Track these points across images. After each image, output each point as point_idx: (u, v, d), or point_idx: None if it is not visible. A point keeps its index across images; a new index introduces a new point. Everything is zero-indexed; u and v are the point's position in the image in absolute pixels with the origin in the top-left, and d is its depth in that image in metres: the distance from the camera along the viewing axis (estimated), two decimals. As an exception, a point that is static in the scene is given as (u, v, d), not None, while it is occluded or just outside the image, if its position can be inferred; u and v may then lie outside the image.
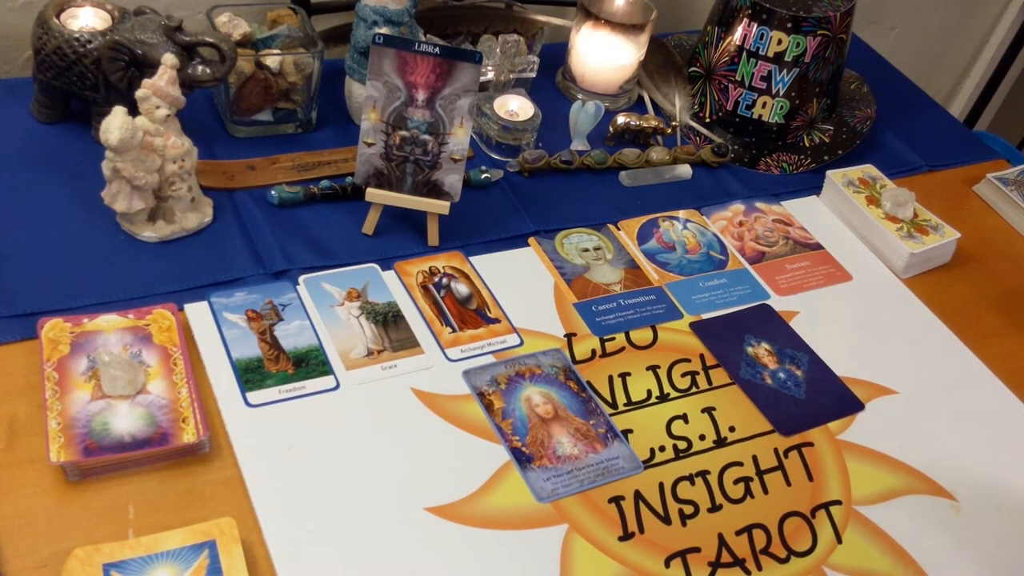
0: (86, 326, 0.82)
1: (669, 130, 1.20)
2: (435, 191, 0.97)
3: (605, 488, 0.81)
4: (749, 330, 0.98)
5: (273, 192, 1.00)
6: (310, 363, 0.85)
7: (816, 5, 1.17)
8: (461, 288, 0.96)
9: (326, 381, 0.84)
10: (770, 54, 1.17)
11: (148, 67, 0.93)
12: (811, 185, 1.20)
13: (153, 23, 0.95)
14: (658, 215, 1.10)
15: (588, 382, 0.90)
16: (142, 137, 0.87)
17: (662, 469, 0.84)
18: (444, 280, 0.96)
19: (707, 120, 1.24)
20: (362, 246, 0.98)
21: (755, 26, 1.17)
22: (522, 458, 0.82)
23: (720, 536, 0.80)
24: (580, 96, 1.23)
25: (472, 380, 0.87)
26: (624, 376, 0.91)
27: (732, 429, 0.89)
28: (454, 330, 0.92)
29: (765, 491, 0.84)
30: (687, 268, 1.04)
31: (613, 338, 0.94)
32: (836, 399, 0.93)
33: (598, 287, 1.00)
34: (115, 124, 0.84)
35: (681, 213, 1.11)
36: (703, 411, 0.90)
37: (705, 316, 0.99)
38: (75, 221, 0.93)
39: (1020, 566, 0.83)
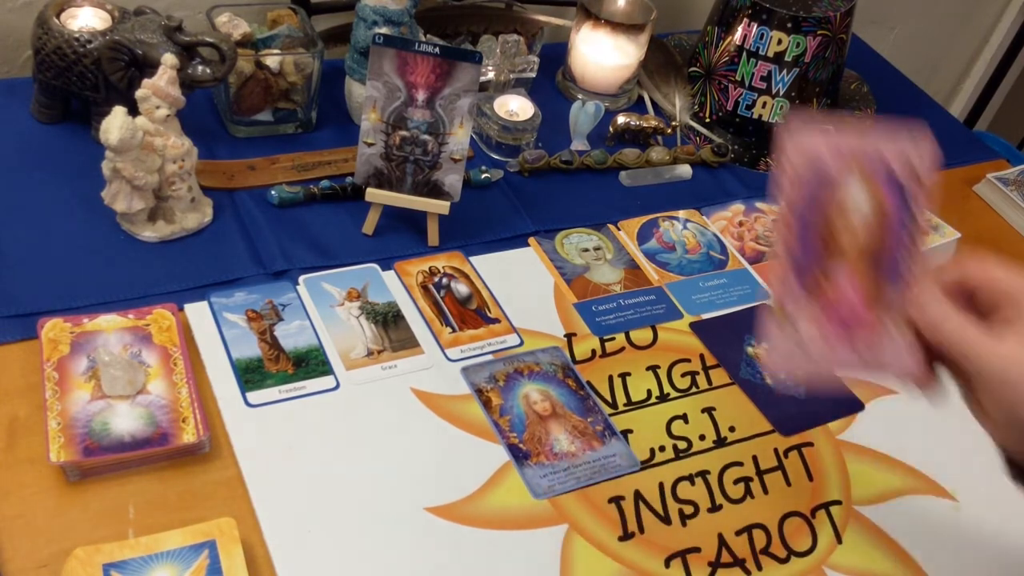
0: (86, 326, 0.82)
1: (669, 130, 1.20)
2: (435, 191, 0.97)
3: (605, 488, 0.81)
4: (749, 330, 0.98)
5: (273, 192, 1.00)
6: (310, 363, 0.86)
7: (816, 5, 1.17)
8: (461, 288, 0.96)
9: (326, 381, 0.84)
10: (770, 54, 1.17)
11: (148, 67, 0.93)
12: (811, 185, 1.19)
13: (153, 23, 0.95)
14: (658, 215, 1.10)
15: (588, 382, 0.90)
16: (142, 137, 0.87)
17: (662, 469, 0.84)
18: (444, 280, 0.96)
19: (707, 120, 1.24)
20: (362, 246, 0.98)
21: (755, 26, 1.17)
22: (519, 454, 0.82)
23: (720, 536, 0.80)
24: (580, 96, 1.23)
25: (470, 377, 0.87)
26: (624, 376, 0.91)
27: (732, 429, 0.89)
28: (454, 330, 0.92)
29: (765, 491, 0.84)
30: (687, 268, 1.04)
31: (613, 338, 0.95)
32: (836, 399, 0.93)
33: (598, 287, 1.00)
34: (115, 124, 0.84)
35: (681, 213, 1.11)
36: (703, 411, 0.90)
37: (705, 316, 0.99)
38: (75, 221, 0.93)
39: (1020, 566, 0.83)
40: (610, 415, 0.87)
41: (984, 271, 0.60)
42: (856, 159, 0.61)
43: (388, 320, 0.91)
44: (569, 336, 0.94)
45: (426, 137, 0.95)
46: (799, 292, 0.61)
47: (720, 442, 0.87)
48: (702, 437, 0.88)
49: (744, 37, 1.18)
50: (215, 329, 0.86)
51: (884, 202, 0.61)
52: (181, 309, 0.87)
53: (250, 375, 0.83)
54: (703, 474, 0.84)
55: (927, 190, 0.61)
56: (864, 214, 0.61)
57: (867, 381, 0.95)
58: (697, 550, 0.79)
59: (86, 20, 0.99)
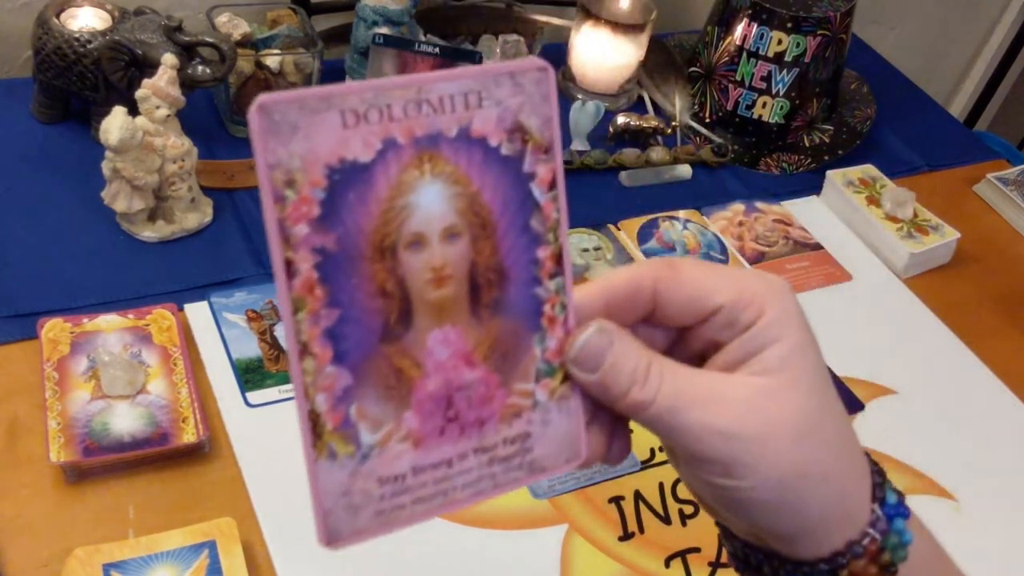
0: (86, 326, 0.82)
1: (669, 130, 1.20)
2: (435, 191, 0.96)
3: (605, 488, 0.81)
4: (749, 330, 0.98)
5: (273, 192, 1.00)
6: (310, 363, 0.85)
7: (816, 5, 1.17)
8: (461, 288, 0.96)
9: (326, 381, 0.84)
10: (770, 54, 1.17)
11: (148, 67, 0.93)
12: (811, 185, 1.19)
13: (153, 23, 0.95)
14: (658, 215, 1.10)
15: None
16: (142, 137, 0.87)
17: (662, 469, 0.84)
18: (444, 280, 0.96)
19: (707, 120, 1.24)
20: (362, 246, 0.98)
21: (755, 26, 1.17)
22: (522, 458, 0.82)
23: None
24: (580, 96, 1.23)
25: (472, 380, 0.87)
26: (624, 376, 0.91)
27: (732, 429, 0.89)
28: (454, 330, 0.91)
29: (765, 491, 0.84)
30: (687, 268, 1.04)
31: (613, 338, 0.94)
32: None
33: (598, 287, 0.99)
34: (115, 124, 0.84)
35: (681, 213, 1.11)
36: (703, 411, 0.90)
37: (705, 316, 0.99)
38: (75, 221, 0.93)
39: (1020, 566, 0.83)
40: (610, 415, 0.87)
41: (672, 274, 0.39)
42: (414, 142, 0.34)
43: (388, 320, 0.91)
44: (569, 336, 0.94)
45: (426, 137, 0.94)
46: (362, 392, 0.35)
47: (720, 442, 0.87)
48: (702, 437, 0.87)
49: (744, 37, 1.18)
50: (215, 329, 0.86)
51: (479, 198, 0.36)
52: (181, 309, 0.87)
53: (250, 375, 0.83)
54: (703, 474, 0.84)
55: (549, 146, 0.37)
56: (448, 227, 0.35)
57: (867, 381, 0.95)
58: (697, 550, 0.79)
59: (86, 20, 0.99)
